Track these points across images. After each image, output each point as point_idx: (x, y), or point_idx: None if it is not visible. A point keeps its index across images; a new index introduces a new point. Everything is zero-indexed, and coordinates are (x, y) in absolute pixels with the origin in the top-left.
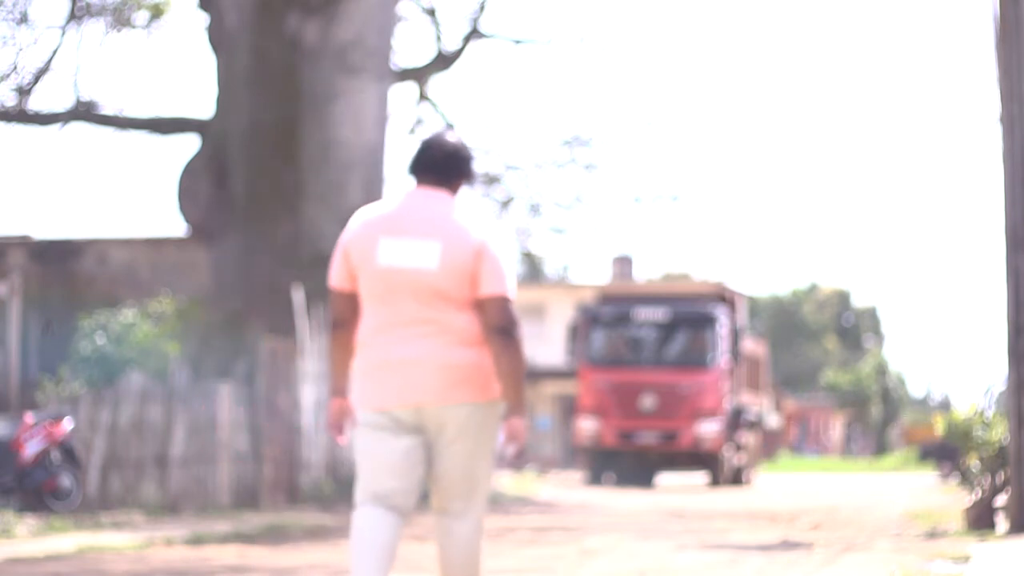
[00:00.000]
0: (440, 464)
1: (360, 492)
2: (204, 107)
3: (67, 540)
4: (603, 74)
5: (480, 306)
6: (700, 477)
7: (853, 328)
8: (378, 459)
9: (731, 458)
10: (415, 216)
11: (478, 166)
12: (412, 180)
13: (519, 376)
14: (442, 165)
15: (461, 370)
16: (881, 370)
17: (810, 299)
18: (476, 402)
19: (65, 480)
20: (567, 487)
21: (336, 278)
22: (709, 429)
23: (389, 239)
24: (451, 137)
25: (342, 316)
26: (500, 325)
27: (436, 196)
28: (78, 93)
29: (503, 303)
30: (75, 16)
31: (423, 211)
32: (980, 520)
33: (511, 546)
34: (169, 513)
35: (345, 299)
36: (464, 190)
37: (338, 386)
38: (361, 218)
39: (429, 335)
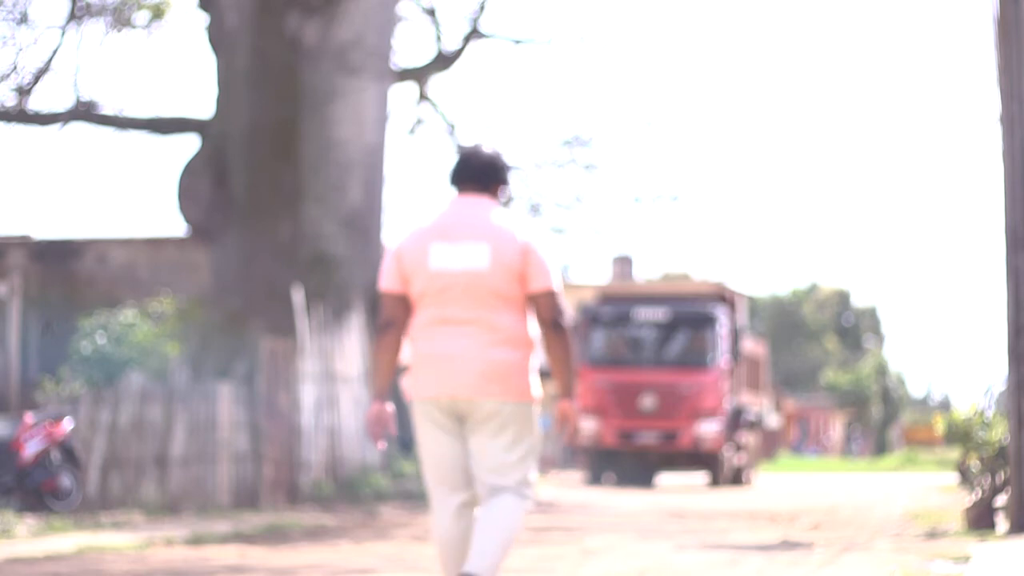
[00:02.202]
0: (473, 454)
1: (425, 474)
2: (204, 107)
3: (67, 540)
4: (603, 74)
5: (531, 301)
6: (700, 477)
7: (853, 328)
8: (430, 446)
9: (731, 458)
10: (462, 221)
11: (511, 171)
12: (454, 190)
13: (569, 362)
14: (480, 173)
15: (498, 368)
16: (881, 370)
17: (810, 299)
18: (508, 401)
19: (65, 480)
20: (567, 487)
21: (387, 281)
22: (709, 429)
23: (440, 244)
24: (487, 147)
25: (392, 317)
26: (550, 318)
27: (478, 202)
28: (78, 93)
29: (551, 297)
30: (75, 16)
31: (469, 216)
32: (980, 520)
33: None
34: (169, 513)
35: (396, 300)
36: (502, 194)
37: (380, 389)
38: (411, 228)
39: (472, 333)
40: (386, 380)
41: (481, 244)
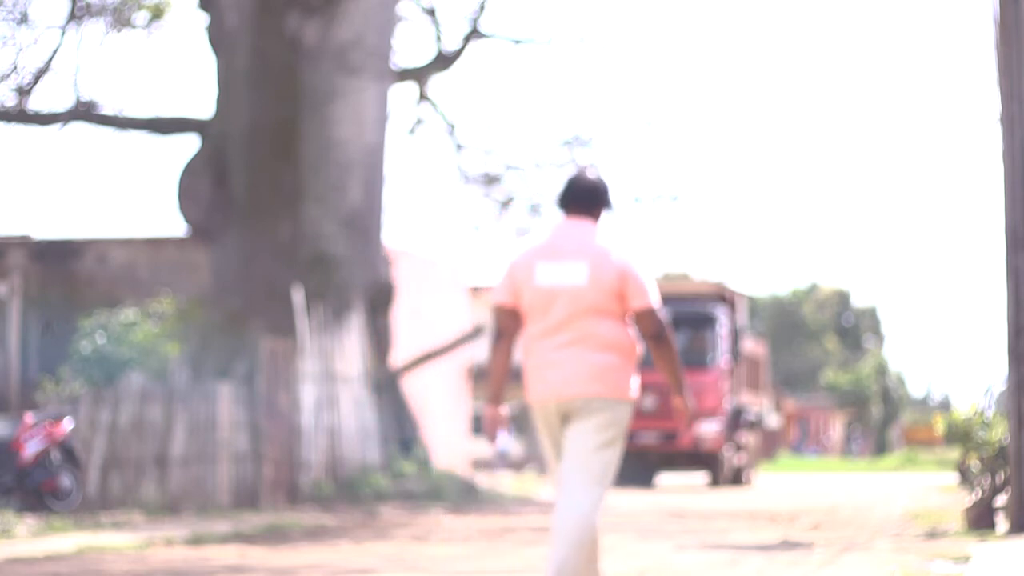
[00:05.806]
0: (567, 445)
1: (549, 467)
2: (204, 107)
3: (67, 540)
4: (603, 74)
5: (634, 318)
6: (700, 477)
7: (853, 328)
8: (544, 440)
9: (731, 458)
10: (565, 242)
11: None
12: (561, 212)
13: (676, 367)
14: (585, 198)
15: (599, 369)
16: (881, 370)
17: (810, 299)
18: (607, 397)
19: (65, 480)
20: None
21: (501, 295)
22: (709, 429)
23: (545, 263)
24: (591, 173)
25: (506, 328)
26: (654, 332)
27: (581, 225)
28: (78, 93)
29: (652, 314)
30: (75, 16)
31: (572, 238)
32: (980, 520)
33: (511, 546)
34: (169, 513)
35: (508, 313)
36: (605, 217)
37: (493, 394)
38: (523, 247)
39: (577, 341)
40: (499, 385)
41: (581, 263)
